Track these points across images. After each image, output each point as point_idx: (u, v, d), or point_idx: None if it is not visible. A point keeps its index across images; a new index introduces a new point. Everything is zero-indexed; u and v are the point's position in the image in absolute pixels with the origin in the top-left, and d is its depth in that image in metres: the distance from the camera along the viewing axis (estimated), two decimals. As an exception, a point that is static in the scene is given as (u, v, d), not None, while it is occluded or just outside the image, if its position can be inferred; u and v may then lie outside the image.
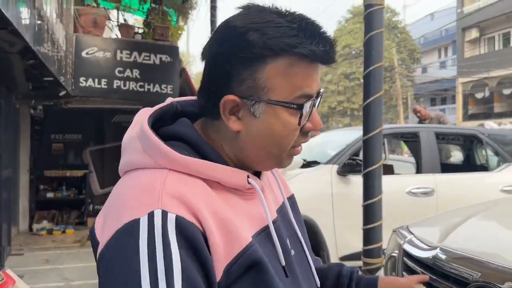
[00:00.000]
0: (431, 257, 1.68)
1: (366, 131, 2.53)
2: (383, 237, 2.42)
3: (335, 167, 3.92)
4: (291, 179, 3.84)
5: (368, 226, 2.49)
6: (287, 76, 0.67)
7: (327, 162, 4.02)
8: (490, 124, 7.51)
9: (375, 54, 2.47)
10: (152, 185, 0.64)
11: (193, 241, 0.60)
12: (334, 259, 3.82)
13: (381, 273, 2.07)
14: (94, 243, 0.64)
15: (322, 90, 0.72)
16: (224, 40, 0.69)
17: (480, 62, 22.99)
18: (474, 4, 23.74)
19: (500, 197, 3.63)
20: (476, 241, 1.67)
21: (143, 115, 0.73)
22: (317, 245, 3.77)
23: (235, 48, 0.66)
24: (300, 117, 0.68)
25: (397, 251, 1.89)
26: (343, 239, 3.71)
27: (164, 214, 0.59)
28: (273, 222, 0.74)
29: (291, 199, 0.90)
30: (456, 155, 5.25)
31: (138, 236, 0.58)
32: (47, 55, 3.33)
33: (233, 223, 0.65)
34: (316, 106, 0.72)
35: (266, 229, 0.72)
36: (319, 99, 0.72)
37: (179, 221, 0.59)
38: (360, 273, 0.97)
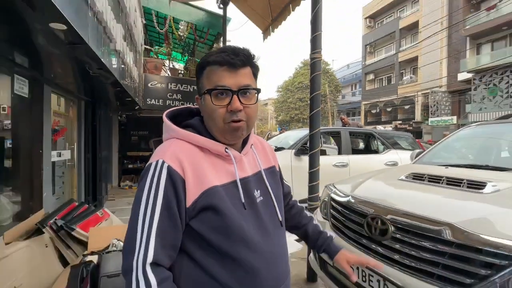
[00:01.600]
0: (346, 201, 1.64)
1: (311, 130, 2.54)
2: (319, 190, 2.38)
3: (293, 151, 3.92)
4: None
5: (311, 184, 2.53)
6: (209, 77, 0.68)
7: (289, 148, 4.13)
8: (379, 127, 7.55)
9: (316, 86, 2.46)
10: (164, 146, 0.69)
11: (174, 180, 0.62)
12: None
13: (318, 210, 2.00)
14: None
15: (245, 87, 0.68)
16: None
17: (374, 92, 23.28)
18: (372, 59, 23.93)
19: (384, 168, 3.62)
20: (371, 192, 1.65)
21: (164, 112, 0.77)
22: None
23: (196, 69, 0.74)
24: (212, 98, 0.66)
25: (327, 198, 1.87)
26: (298, 192, 3.69)
27: (164, 162, 0.63)
28: (244, 178, 0.72)
29: (271, 169, 0.84)
30: (361, 144, 5.24)
31: (149, 171, 0.63)
32: (127, 85, 3.28)
33: (205, 173, 0.65)
34: (238, 96, 0.66)
35: (235, 181, 0.70)
36: (238, 92, 0.66)
37: (170, 168, 0.62)
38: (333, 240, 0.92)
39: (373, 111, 25.65)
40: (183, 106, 0.81)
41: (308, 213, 0.98)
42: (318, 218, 1.92)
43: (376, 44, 25.75)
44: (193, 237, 0.63)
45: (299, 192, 3.73)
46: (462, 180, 1.47)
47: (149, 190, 0.60)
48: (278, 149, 4.06)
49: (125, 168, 7.29)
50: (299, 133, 4.40)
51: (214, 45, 7.43)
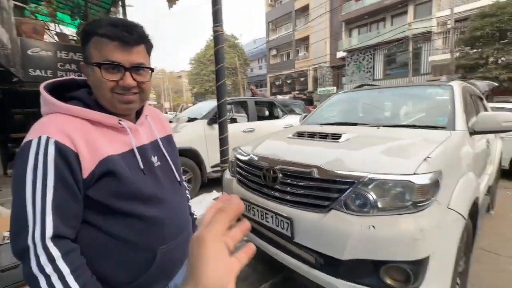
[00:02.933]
0: (248, 159, 1.81)
1: (218, 100, 2.55)
2: (229, 153, 2.51)
3: (206, 121, 3.86)
4: (182, 128, 3.64)
5: (222, 148, 2.61)
6: (98, 48, 0.62)
7: (202, 118, 4.00)
8: (279, 97, 8.20)
9: (220, 58, 2.45)
10: (45, 122, 0.61)
11: (65, 154, 0.57)
12: (208, 168, 3.86)
13: (227, 171, 2.12)
14: None
15: (138, 65, 0.65)
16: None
17: (277, 66, 24.59)
18: (274, 36, 24.78)
19: (282, 129, 4.11)
20: (267, 149, 1.83)
21: (42, 85, 0.67)
22: (200, 162, 3.70)
23: (81, 35, 0.66)
24: (101, 72, 0.62)
25: (233, 158, 2.01)
26: (211, 157, 3.78)
27: (48, 138, 0.57)
28: (141, 146, 0.71)
29: (167, 137, 0.84)
30: (265, 112, 5.61)
31: (29, 149, 0.56)
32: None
33: (99, 144, 0.62)
34: (131, 73, 0.64)
35: (132, 150, 0.68)
36: (131, 69, 0.64)
37: (58, 143, 0.57)
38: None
39: (277, 83, 27.44)
40: (66, 77, 0.72)
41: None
42: (226, 176, 2.06)
43: (277, 22, 26.83)
44: (91, 206, 0.60)
45: (214, 157, 3.83)
46: (328, 133, 1.83)
47: (35, 168, 0.54)
48: (191, 119, 3.96)
49: (11, 152, 5.70)
50: (210, 104, 4.36)
51: (112, 9, 6.23)
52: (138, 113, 0.76)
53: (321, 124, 2.38)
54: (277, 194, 1.49)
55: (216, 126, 3.94)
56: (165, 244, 0.68)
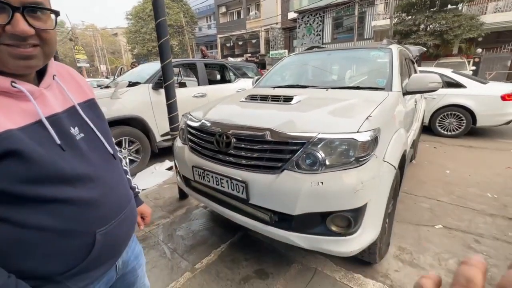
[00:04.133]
0: (199, 125, 1.72)
1: (162, 61, 2.29)
2: (179, 120, 2.35)
3: (151, 85, 3.51)
4: (123, 94, 3.25)
5: (171, 115, 2.44)
6: None
7: (145, 82, 3.58)
8: (230, 59, 7.87)
9: (160, 11, 2.13)
10: None
11: None
12: (158, 137, 3.54)
13: (178, 139, 2.00)
14: None
15: (34, 4, 0.49)
16: None
17: (227, 26, 23.11)
18: (222, -9, 22.81)
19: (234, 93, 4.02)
20: (219, 114, 1.77)
21: None
22: (147, 130, 3.43)
23: None
24: None
25: (184, 125, 1.89)
26: (160, 125, 3.53)
27: None
28: (52, 116, 0.56)
29: (89, 102, 0.69)
30: (217, 75, 5.35)
31: None
32: None
33: None
34: (25, 16, 0.48)
35: (39, 121, 0.53)
36: (23, 9, 0.48)
37: None
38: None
39: (228, 45, 26.04)
40: None
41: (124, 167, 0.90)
42: (178, 144, 1.95)
43: (225, -26, 24.47)
44: None
45: (163, 125, 3.58)
46: (280, 96, 1.82)
47: None
48: (133, 84, 3.54)
49: None
50: (154, 66, 3.91)
51: None
52: (41, 74, 0.59)
53: (274, 87, 2.35)
54: (231, 159, 1.47)
55: (162, 91, 3.62)
56: (104, 225, 0.60)
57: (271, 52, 21.28)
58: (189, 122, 1.82)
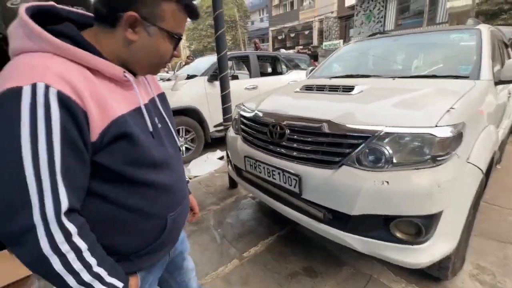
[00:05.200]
0: (253, 115, 1.71)
1: (218, 52, 2.35)
2: (232, 111, 2.40)
3: (206, 77, 3.65)
4: (181, 86, 3.46)
5: (225, 106, 2.51)
6: (174, 16, 0.55)
7: (202, 75, 3.76)
8: (283, 51, 7.74)
9: (218, 4, 2.15)
10: (36, 64, 0.44)
11: (72, 111, 0.44)
12: (211, 127, 3.70)
13: (230, 128, 2.04)
14: None
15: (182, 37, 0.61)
16: None
17: (280, 18, 22.83)
18: (276, -19, 22.56)
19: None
20: (272, 105, 1.73)
21: (20, 9, 0.48)
22: (202, 120, 3.61)
23: None
24: (175, 46, 0.59)
25: (237, 116, 1.91)
26: (214, 116, 3.69)
27: (47, 87, 0.42)
28: (144, 105, 0.61)
29: (161, 95, 0.74)
30: (268, 67, 5.33)
31: (20, 100, 0.40)
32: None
33: (107, 101, 0.50)
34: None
35: (138, 109, 0.58)
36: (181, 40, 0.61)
37: (61, 94, 0.43)
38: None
39: (280, 37, 25.73)
40: (47, 2, 0.54)
41: None
42: (230, 134, 1.99)
43: (280, -35, 24.03)
44: (98, 174, 0.50)
45: (217, 116, 3.72)
46: (339, 86, 1.68)
47: (34, 127, 0.40)
48: (191, 76, 3.75)
49: None
50: (209, 60, 4.08)
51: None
52: None
53: (330, 77, 2.20)
54: (284, 151, 1.42)
55: (217, 83, 3.75)
56: (173, 210, 0.64)
57: (324, 43, 20.28)
58: (242, 113, 1.82)
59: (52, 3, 0.55)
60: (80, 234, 0.46)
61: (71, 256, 0.44)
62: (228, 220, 2.19)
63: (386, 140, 1.12)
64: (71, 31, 0.51)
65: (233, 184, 2.73)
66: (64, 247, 0.43)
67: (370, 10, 16.79)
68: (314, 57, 20.06)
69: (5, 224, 0.41)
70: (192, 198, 0.91)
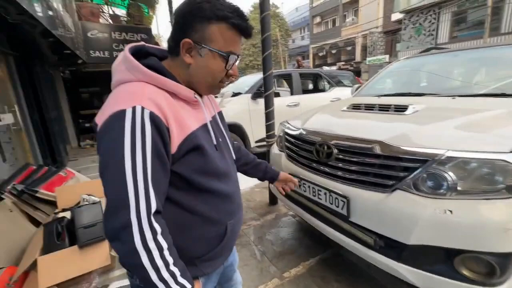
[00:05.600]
0: (298, 133, 1.72)
1: (264, 72, 2.46)
2: (275, 128, 2.45)
3: (250, 95, 3.81)
4: (227, 103, 3.66)
5: (268, 123, 2.55)
6: (223, 36, 0.61)
7: (246, 92, 3.97)
8: (325, 68, 7.68)
9: (266, 26, 2.29)
10: (135, 91, 0.56)
11: (160, 128, 0.54)
12: (252, 142, 3.80)
13: (274, 145, 2.07)
14: (95, 130, 0.57)
15: (239, 55, 0.66)
16: (188, 4, 0.61)
17: (321, 35, 22.91)
18: (319, 1, 22.83)
19: (330, 103, 3.87)
20: (318, 123, 1.72)
21: (125, 49, 0.64)
22: (244, 136, 3.73)
23: (195, 10, 0.59)
24: (226, 64, 0.63)
25: (282, 133, 1.94)
26: (256, 132, 3.78)
27: (143, 109, 0.53)
28: (210, 122, 0.70)
29: (220, 113, 0.84)
30: (310, 84, 5.34)
31: (124, 120, 0.52)
32: (63, 36, 2.72)
33: (184, 119, 0.60)
34: (236, 62, 0.65)
35: (205, 125, 0.67)
36: (238, 58, 0.66)
37: (152, 115, 0.53)
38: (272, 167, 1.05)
39: (320, 54, 25.66)
40: (139, 43, 0.68)
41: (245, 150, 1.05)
42: (274, 151, 2.02)
43: (322, -15, 24.42)
44: (174, 181, 0.59)
45: (258, 132, 3.83)
46: (390, 105, 1.61)
47: (133, 140, 0.50)
48: (235, 94, 3.95)
49: (82, 127, 6.53)
50: (253, 78, 4.26)
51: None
52: None
53: (379, 96, 2.12)
54: (331, 171, 1.39)
55: (259, 101, 3.87)
56: (232, 218, 0.70)
57: (368, 59, 19.60)
58: (287, 130, 1.84)
59: (142, 43, 0.69)
60: (163, 234, 0.52)
61: (156, 253, 0.50)
62: (268, 237, 2.18)
63: (449, 165, 1.03)
64: (156, 63, 0.63)
65: (273, 201, 2.73)
66: (151, 244, 0.50)
67: (420, 23, 15.86)
68: (357, 73, 19.50)
69: (110, 220, 0.50)
70: (284, 174, 1.05)
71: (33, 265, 1.56)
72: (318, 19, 25.55)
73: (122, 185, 0.49)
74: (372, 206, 1.18)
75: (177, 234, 0.59)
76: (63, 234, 1.66)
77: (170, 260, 0.52)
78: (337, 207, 1.33)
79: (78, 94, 6.65)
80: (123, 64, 0.60)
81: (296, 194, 1.66)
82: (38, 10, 2.13)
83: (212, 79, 0.64)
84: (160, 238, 0.51)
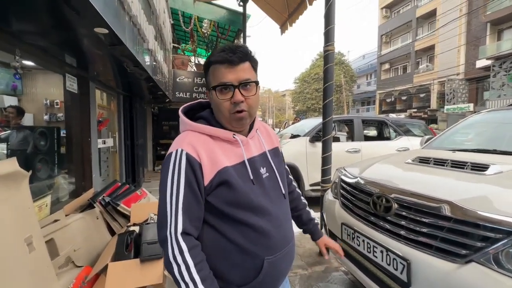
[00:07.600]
0: (355, 182, 1.66)
1: (324, 118, 2.53)
2: (331, 173, 2.40)
3: (308, 138, 3.90)
4: (285, 144, 3.80)
5: (324, 167, 2.54)
6: (214, 74, 0.72)
7: (304, 135, 4.09)
8: (392, 115, 7.29)
9: (329, 76, 2.44)
10: (181, 138, 0.73)
11: (192, 164, 0.67)
12: (307, 185, 3.74)
13: (329, 190, 2.02)
14: None
15: (234, 84, 0.71)
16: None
17: (389, 82, 22.17)
18: (387, 49, 22.67)
19: (395, 153, 3.54)
20: (378, 174, 1.64)
21: (180, 109, 0.82)
22: (299, 178, 3.73)
23: (204, 65, 0.77)
24: (226, 95, 0.71)
25: (337, 179, 1.89)
26: (311, 175, 3.73)
27: (182, 150, 0.68)
28: (251, 158, 0.77)
29: (274, 149, 0.87)
30: (373, 131, 5.09)
31: (171, 159, 0.68)
32: (159, 80, 3.42)
33: (218, 156, 0.70)
34: (240, 90, 0.70)
35: (243, 162, 0.74)
36: (239, 85, 0.70)
37: (187, 154, 0.67)
38: (316, 222, 1.04)
39: (388, 100, 24.48)
40: (195, 102, 0.85)
41: (303, 200, 1.05)
42: (328, 197, 1.96)
43: (392, 33, 24.25)
44: (210, 210, 0.68)
45: (313, 175, 3.76)
46: (466, 163, 1.43)
47: (173, 174, 0.66)
48: (294, 136, 4.07)
49: (159, 154, 7.66)
50: (313, 122, 4.35)
51: (235, 41, 7.42)
52: (250, 127, 0.82)
53: (454, 150, 1.90)
54: (390, 227, 1.28)
55: (317, 144, 3.88)
56: (271, 254, 0.70)
57: (446, 107, 17.69)
58: (344, 177, 1.79)
59: (199, 100, 0.86)
60: (190, 253, 0.62)
61: (183, 268, 0.60)
62: (314, 291, 2.01)
63: (545, 242, 0.85)
64: (205, 114, 0.80)
65: (323, 251, 2.55)
66: (179, 258, 0.61)
67: (515, 71, 13.84)
68: (432, 121, 17.58)
69: (158, 233, 0.65)
70: (329, 240, 1.02)
71: (104, 269, 1.80)
72: (386, 66, 24.98)
73: (163, 207, 0.65)
74: (439, 276, 1.02)
75: (217, 257, 0.67)
76: (130, 245, 1.90)
77: (197, 278, 0.60)
78: (396, 269, 1.18)
79: (161, 126, 7.96)
80: (180, 120, 0.79)
81: (349, 246, 1.55)
82: (147, 61, 2.78)
83: (223, 112, 0.72)
84: (187, 255, 0.61)
